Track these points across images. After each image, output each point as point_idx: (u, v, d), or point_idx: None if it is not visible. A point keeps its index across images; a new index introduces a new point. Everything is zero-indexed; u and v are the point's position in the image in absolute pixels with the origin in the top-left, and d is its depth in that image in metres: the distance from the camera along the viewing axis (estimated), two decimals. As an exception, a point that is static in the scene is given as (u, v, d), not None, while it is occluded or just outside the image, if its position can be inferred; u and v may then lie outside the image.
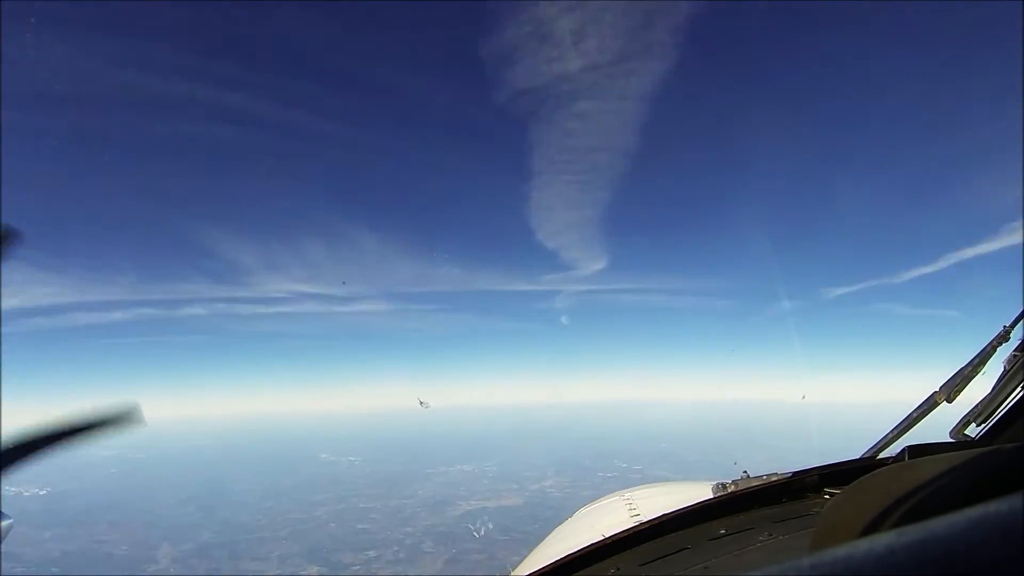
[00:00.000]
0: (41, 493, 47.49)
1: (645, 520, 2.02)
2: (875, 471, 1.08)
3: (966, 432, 2.18)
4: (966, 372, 2.23)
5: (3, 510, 0.95)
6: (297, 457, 70.87)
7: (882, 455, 2.29)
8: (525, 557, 3.24)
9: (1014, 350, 2.13)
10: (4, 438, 0.59)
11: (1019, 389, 2.05)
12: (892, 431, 2.34)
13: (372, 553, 33.38)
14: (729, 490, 2.25)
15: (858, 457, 2.34)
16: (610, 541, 1.87)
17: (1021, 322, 2.17)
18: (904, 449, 2.02)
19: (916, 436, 2.30)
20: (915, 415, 2.33)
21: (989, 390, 2.14)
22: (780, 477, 2.19)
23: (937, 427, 2.30)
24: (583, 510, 3.68)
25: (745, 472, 2.40)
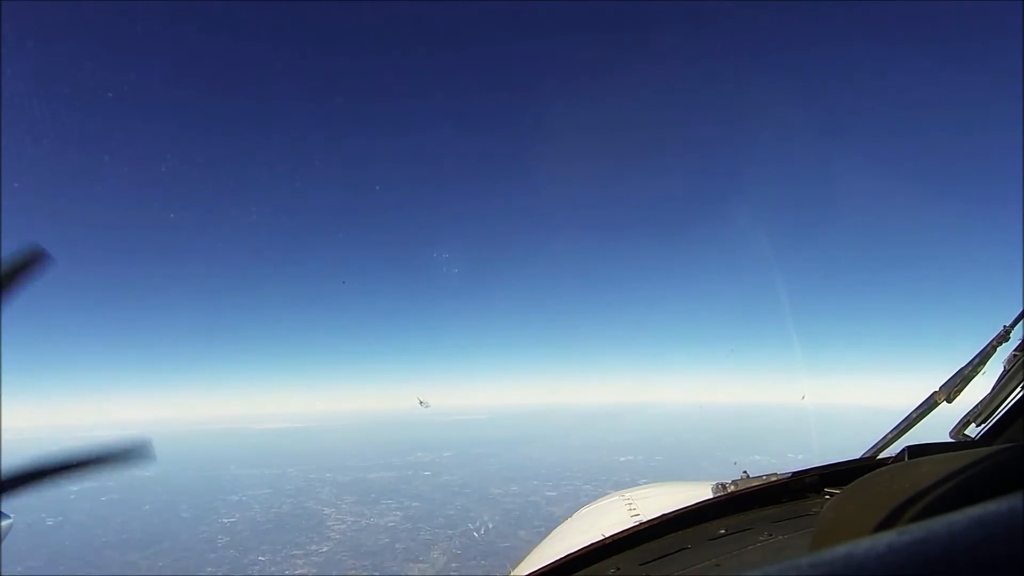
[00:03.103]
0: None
1: (645, 520, 2.02)
2: (875, 471, 1.08)
3: (966, 432, 2.18)
4: (966, 372, 2.23)
5: (3, 510, 0.95)
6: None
7: (882, 455, 2.28)
8: (525, 557, 3.24)
9: (1014, 350, 2.13)
10: (9, 465, 0.58)
11: (1019, 389, 2.05)
12: (892, 431, 2.34)
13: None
14: (729, 490, 2.25)
15: (858, 457, 2.34)
16: (610, 541, 1.87)
17: (1021, 322, 2.17)
18: (904, 449, 2.02)
19: (916, 436, 2.30)
20: (915, 415, 2.33)
21: (989, 390, 2.14)
22: (780, 477, 2.19)
23: (937, 427, 2.30)
24: (583, 510, 3.67)
25: (745, 472, 2.40)
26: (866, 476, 1.06)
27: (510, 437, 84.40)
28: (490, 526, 35.87)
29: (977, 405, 2.15)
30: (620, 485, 4.05)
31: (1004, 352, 2.17)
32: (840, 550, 0.44)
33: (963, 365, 2.25)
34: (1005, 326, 2.20)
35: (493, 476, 50.86)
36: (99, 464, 0.62)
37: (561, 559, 1.84)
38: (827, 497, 2.09)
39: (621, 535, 1.90)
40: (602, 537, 1.89)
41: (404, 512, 40.34)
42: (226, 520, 39.60)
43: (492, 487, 46.40)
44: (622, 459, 54.48)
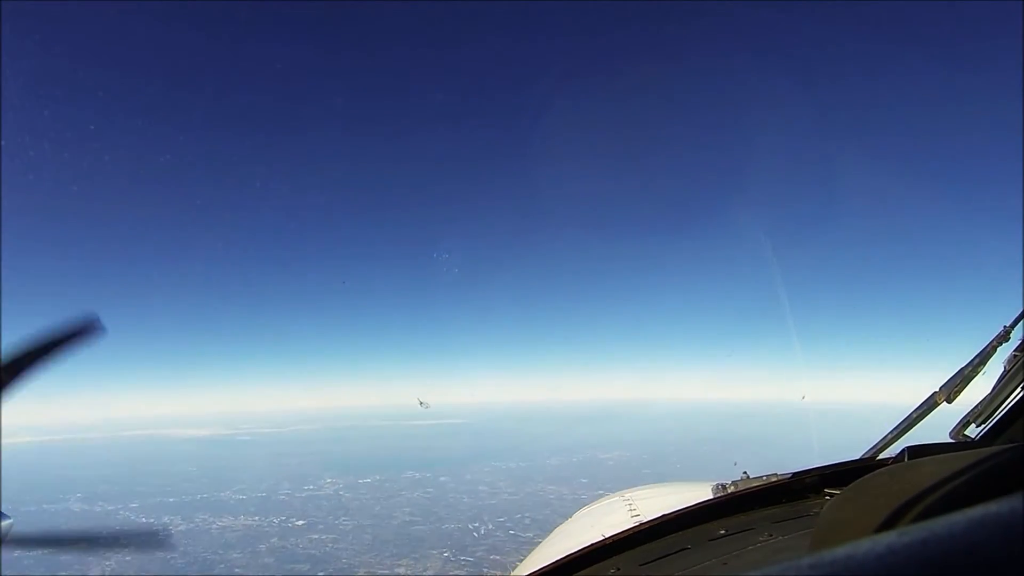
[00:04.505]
0: None
1: (645, 520, 2.03)
2: (875, 471, 1.08)
3: (966, 432, 2.18)
4: (966, 372, 2.23)
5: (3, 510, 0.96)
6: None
7: (882, 455, 2.29)
8: (525, 557, 3.25)
9: (1014, 350, 2.13)
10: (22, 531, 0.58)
11: (1019, 389, 2.06)
12: (892, 431, 2.35)
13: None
14: (729, 491, 2.26)
15: (858, 458, 2.35)
16: (610, 541, 1.87)
17: (1021, 322, 2.18)
18: (904, 449, 2.02)
19: (916, 436, 2.30)
20: (915, 415, 2.34)
21: (989, 390, 2.15)
22: (780, 478, 2.20)
23: (937, 427, 2.30)
24: (583, 510, 3.68)
25: (745, 473, 2.40)
26: (866, 477, 1.06)
27: (477, 449, 67.53)
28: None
29: (977, 405, 2.16)
30: (619, 486, 4.00)
31: (1004, 352, 2.17)
32: (840, 551, 0.44)
33: (963, 365, 2.26)
34: (1005, 326, 2.20)
35: (391, 535, 33.97)
36: (109, 545, 0.64)
37: (561, 559, 1.84)
38: (827, 498, 2.09)
39: (621, 535, 1.90)
40: (602, 537, 1.90)
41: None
42: None
43: (378, 564, 29.14)
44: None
